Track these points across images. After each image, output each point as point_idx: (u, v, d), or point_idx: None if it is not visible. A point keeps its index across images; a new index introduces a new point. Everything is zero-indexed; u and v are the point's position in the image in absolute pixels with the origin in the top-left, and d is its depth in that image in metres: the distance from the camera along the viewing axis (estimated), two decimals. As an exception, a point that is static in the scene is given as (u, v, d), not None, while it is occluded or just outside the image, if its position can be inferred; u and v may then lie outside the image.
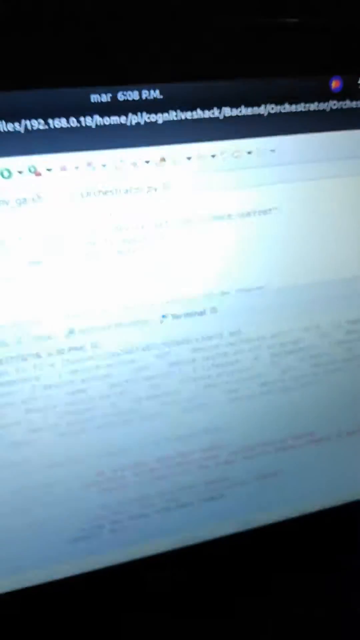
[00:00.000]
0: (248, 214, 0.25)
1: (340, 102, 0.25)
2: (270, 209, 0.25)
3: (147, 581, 0.31)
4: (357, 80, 0.25)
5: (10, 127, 0.21)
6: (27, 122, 0.21)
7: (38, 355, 0.25)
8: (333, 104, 0.25)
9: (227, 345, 0.28)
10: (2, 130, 0.21)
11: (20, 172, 0.22)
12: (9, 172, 0.21)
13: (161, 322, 0.26)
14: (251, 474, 0.31)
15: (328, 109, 0.25)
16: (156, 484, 0.29)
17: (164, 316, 0.26)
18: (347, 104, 0.25)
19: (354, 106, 0.25)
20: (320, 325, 0.29)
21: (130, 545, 0.30)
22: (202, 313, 0.26)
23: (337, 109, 0.25)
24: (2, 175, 0.21)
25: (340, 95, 0.25)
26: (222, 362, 0.28)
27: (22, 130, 0.21)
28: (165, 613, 0.32)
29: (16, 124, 0.21)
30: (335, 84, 0.24)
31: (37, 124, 0.21)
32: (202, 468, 0.30)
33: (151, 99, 0.22)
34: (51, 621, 0.30)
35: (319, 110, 0.25)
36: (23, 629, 0.30)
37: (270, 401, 0.30)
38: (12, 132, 0.21)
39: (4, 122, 0.21)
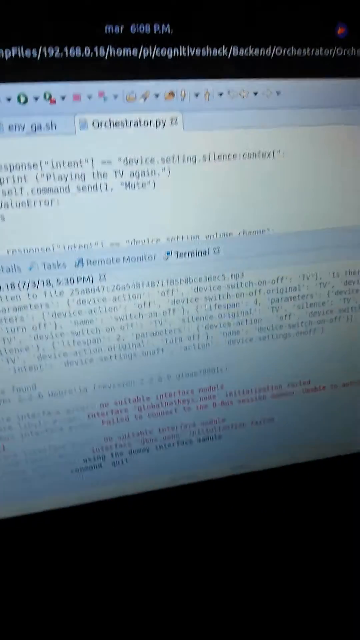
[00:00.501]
0: (252, 155, 0.26)
1: (345, 49, 0.26)
2: (273, 152, 0.26)
3: (145, 517, 0.33)
4: (363, 28, 0.26)
5: (27, 53, 0.22)
6: (44, 49, 0.22)
7: (48, 283, 0.26)
8: (338, 50, 0.25)
9: (228, 287, 0.29)
10: (20, 56, 0.22)
11: (35, 99, 0.23)
12: (25, 97, 0.23)
13: (166, 259, 0.27)
14: (247, 417, 0.32)
15: (333, 55, 0.25)
16: (156, 419, 0.30)
17: (168, 253, 0.27)
18: (352, 51, 0.26)
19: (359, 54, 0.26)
20: (320, 273, 0.30)
21: (131, 480, 0.31)
22: (205, 253, 0.27)
23: (341, 56, 0.26)
24: (19, 100, 0.22)
25: (345, 42, 0.25)
26: (223, 303, 0.29)
27: (38, 57, 0.22)
28: (161, 549, 0.33)
29: (33, 51, 0.22)
30: (340, 30, 0.25)
31: (53, 51, 0.22)
32: (200, 408, 0.31)
33: (162, 34, 0.23)
34: (53, 548, 0.31)
35: (324, 56, 0.25)
36: (27, 554, 0.31)
37: (268, 347, 0.31)
38: (29, 59, 0.22)
39: (22, 47, 0.22)
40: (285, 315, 0.30)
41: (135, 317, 0.28)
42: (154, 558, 0.32)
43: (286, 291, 0.30)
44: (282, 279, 0.29)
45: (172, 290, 0.28)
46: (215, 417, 0.31)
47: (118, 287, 0.27)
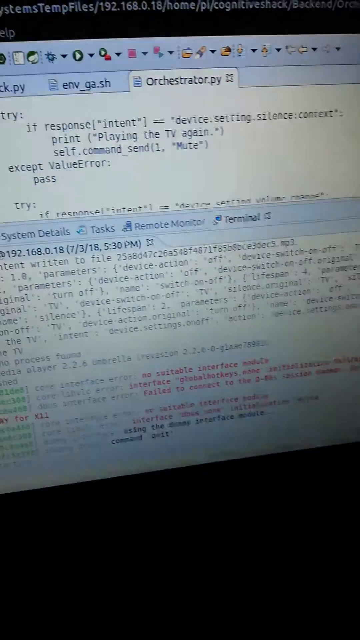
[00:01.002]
0: (308, 114, 0.25)
1: None
2: (331, 111, 0.25)
3: (181, 492, 0.32)
4: None
5: (84, 7, 0.22)
6: (101, 3, 0.22)
7: (96, 247, 0.25)
8: None
9: (277, 255, 0.28)
10: (76, 11, 0.21)
11: (90, 55, 0.22)
12: (81, 54, 0.22)
13: (215, 224, 0.26)
14: (291, 394, 0.31)
15: None
16: (198, 392, 0.30)
17: (217, 217, 0.26)
18: None
19: None
20: (375, 244, 0.29)
21: (170, 454, 0.31)
22: (255, 218, 0.27)
23: None
24: (75, 57, 0.22)
25: None
26: (272, 272, 0.28)
27: (95, 10, 0.22)
28: (196, 525, 0.32)
29: (90, 5, 0.22)
30: None
31: (110, 5, 0.22)
32: (243, 382, 0.30)
33: (221, -14, 0.22)
34: (88, 520, 0.32)
35: (388, 10, 0.24)
36: (61, 525, 0.31)
37: (316, 319, 0.30)
38: (85, 13, 0.22)
39: (79, 2, 0.21)
40: (336, 287, 0.29)
41: (181, 284, 0.27)
42: (189, 535, 0.32)
43: (337, 261, 0.29)
44: (334, 247, 0.28)
45: (220, 257, 0.27)
46: (258, 392, 0.31)
47: (165, 253, 0.26)
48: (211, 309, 0.28)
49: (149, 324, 0.28)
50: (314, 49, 0.24)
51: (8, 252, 0.25)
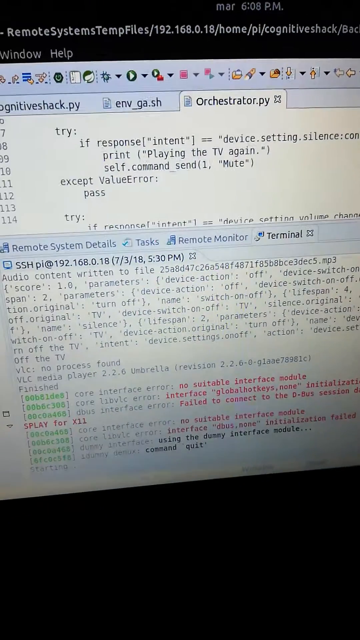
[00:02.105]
0: (355, 136, 0.25)
1: None
2: (378, 132, 0.25)
3: (212, 505, 0.32)
4: None
5: (140, 30, 0.22)
6: (156, 27, 0.22)
7: (141, 259, 0.26)
8: None
9: (319, 272, 0.28)
10: (132, 33, 0.22)
11: (144, 76, 0.23)
12: (135, 74, 0.23)
13: (257, 239, 0.27)
14: (328, 411, 0.31)
15: None
16: (234, 405, 0.30)
17: (260, 234, 0.27)
18: None
19: None
20: None
21: (203, 466, 0.31)
22: (298, 235, 0.27)
23: None
24: (128, 78, 0.23)
25: None
26: (313, 289, 0.28)
27: (150, 33, 0.23)
28: (225, 537, 0.32)
29: (145, 29, 0.22)
30: None
31: (165, 29, 0.23)
32: (280, 397, 0.30)
33: (272, 11, 0.23)
34: (119, 528, 0.32)
35: None
36: (90, 530, 0.32)
37: (355, 337, 0.30)
38: (140, 36, 0.23)
39: (134, 26, 0.22)
40: (376, 306, 0.29)
41: (221, 298, 0.28)
42: (217, 545, 0.32)
43: (378, 280, 0.29)
44: (375, 267, 0.28)
45: (261, 273, 0.27)
46: (295, 407, 0.31)
47: (207, 267, 0.27)
48: (250, 323, 0.28)
49: (187, 335, 0.28)
50: (363, 71, 0.24)
51: (56, 261, 0.26)
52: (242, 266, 0.27)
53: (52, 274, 0.26)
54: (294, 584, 0.31)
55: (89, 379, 0.28)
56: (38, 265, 0.25)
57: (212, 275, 0.27)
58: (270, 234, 0.27)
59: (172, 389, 0.29)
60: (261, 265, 0.27)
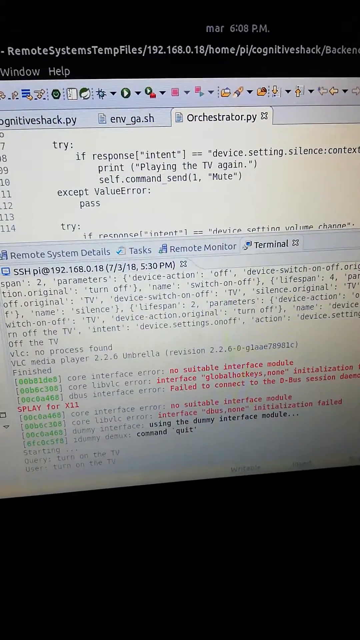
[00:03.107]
0: (338, 150, 0.26)
1: None
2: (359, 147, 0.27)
3: (201, 506, 0.33)
4: None
5: (133, 50, 0.24)
6: (149, 47, 0.24)
7: (133, 267, 0.27)
8: None
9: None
10: (126, 53, 0.24)
11: (137, 93, 0.24)
12: (129, 92, 0.24)
13: (245, 248, 0.28)
14: (314, 396, 0.32)
15: None
16: (223, 390, 0.31)
17: (248, 243, 0.28)
18: None
19: None
20: None
21: (192, 460, 0.32)
22: (284, 244, 0.28)
23: None
24: (122, 94, 0.24)
25: None
26: (299, 276, 0.29)
27: (143, 53, 0.24)
28: (215, 539, 0.33)
29: (139, 49, 0.24)
30: None
31: (157, 49, 0.24)
32: (267, 382, 0.31)
33: (259, 32, 0.24)
34: (112, 524, 0.33)
35: None
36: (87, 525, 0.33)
37: (341, 324, 0.30)
38: (134, 55, 0.24)
39: (128, 46, 0.24)
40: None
41: (210, 284, 0.28)
42: (208, 543, 0.33)
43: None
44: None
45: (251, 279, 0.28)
46: (282, 393, 0.32)
47: (197, 275, 0.28)
48: (238, 310, 0.29)
49: (177, 321, 0.29)
50: (345, 90, 0.26)
51: (53, 268, 0.27)
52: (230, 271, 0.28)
53: (49, 280, 0.27)
54: (283, 581, 0.32)
55: (82, 363, 0.29)
56: (35, 271, 0.26)
57: (200, 283, 0.28)
58: (258, 243, 0.28)
59: (163, 373, 0.30)
60: (250, 273, 0.28)
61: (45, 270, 0.27)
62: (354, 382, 0.32)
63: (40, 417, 0.30)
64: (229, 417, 0.31)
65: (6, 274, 0.26)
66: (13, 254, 0.26)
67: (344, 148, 0.26)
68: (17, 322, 0.27)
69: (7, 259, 0.26)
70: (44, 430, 0.30)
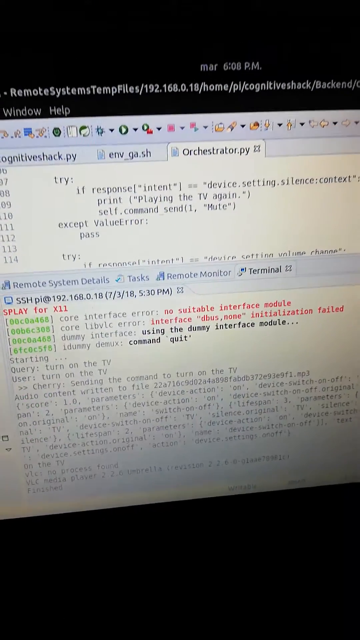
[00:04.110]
0: (328, 180, 0.27)
1: None
2: (349, 177, 0.27)
3: (202, 525, 0.34)
4: None
5: (131, 89, 0.25)
6: (145, 86, 0.25)
7: (132, 294, 0.28)
8: None
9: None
10: (124, 92, 0.25)
11: (135, 130, 0.25)
12: (126, 128, 0.25)
13: (240, 274, 0.29)
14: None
15: None
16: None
17: (242, 269, 0.29)
18: None
19: None
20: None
21: (192, 482, 0.33)
22: (277, 270, 0.29)
23: None
24: (120, 131, 0.25)
25: None
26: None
27: (140, 92, 0.25)
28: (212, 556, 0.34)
29: (136, 87, 0.25)
30: None
31: (153, 87, 0.25)
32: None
33: (252, 70, 0.25)
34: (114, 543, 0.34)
35: None
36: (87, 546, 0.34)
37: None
38: (131, 94, 0.25)
39: (126, 85, 0.25)
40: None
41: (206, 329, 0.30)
42: (206, 559, 0.34)
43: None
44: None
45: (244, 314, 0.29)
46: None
47: (193, 300, 0.29)
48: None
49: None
50: (334, 122, 0.27)
51: (54, 296, 0.28)
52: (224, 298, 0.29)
53: (49, 308, 0.28)
54: (277, 597, 0.33)
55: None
56: (37, 300, 0.27)
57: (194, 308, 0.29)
58: (252, 270, 0.29)
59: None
60: (244, 298, 0.29)
61: (47, 299, 0.27)
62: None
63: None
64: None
65: (9, 303, 0.27)
66: (15, 284, 0.27)
67: (335, 177, 0.27)
68: (20, 349, 0.28)
69: (9, 288, 0.27)
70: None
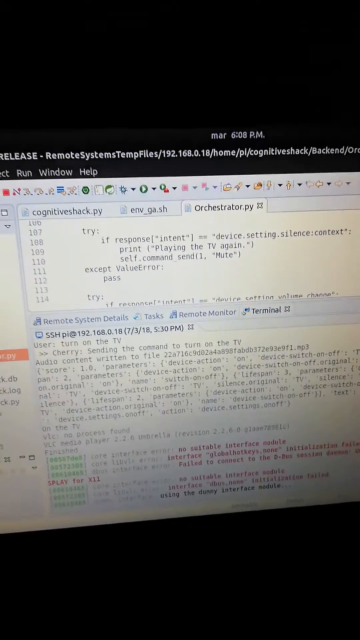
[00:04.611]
0: (323, 232, 0.31)
1: None
2: (342, 230, 0.31)
3: (209, 538, 0.37)
4: None
5: (150, 154, 0.28)
6: (163, 151, 0.28)
7: (148, 330, 0.32)
8: None
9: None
10: (144, 157, 0.28)
11: (153, 189, 0.29)
12: (146, 187, 0.29)
13: (244, 314, 0.32)
14: (304, 470, 0.36)
15: None
16: (225, 466, 0.35)
17: (246, 309, 0.32)
18: None
19: None
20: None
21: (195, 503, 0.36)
22: (277, 310, 0.32)
23: None
24: (141, 190, 0.29)
25: None
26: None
27: (158, 157, 0.28)
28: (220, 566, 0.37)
29: (155, 153, 0.28)
30: None
31: (170, 153, 0.28)
32: (263, 459, 0.35)
33: (256, 138, 0.29)
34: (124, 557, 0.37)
35: (390, 153, 0.30)
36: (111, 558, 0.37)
37: (326, 408, 0.35)
38: (151, 158, 0.28)
39: (146, 150, 0.28)
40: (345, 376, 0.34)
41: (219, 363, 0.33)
42: (210, 572, 0.37)
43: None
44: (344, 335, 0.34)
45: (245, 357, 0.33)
46: (277, 467, 0.36)
47: (202, 339, 0.32)
48: (236, 398, 0.34)
49: (195, 406, 0.34)
50: (329, 183, 0.30)
51: (79, 331, 0.31)
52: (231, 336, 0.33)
53: (75, 342, 0.31)
54: (274, 612, 0.35)
55: (103, 444, 0.34)
56: (64, 334, 0.31)
57: (202, 344, 0.33)
58: (254, 310, 0.32)
59: (173, 451, 0.34)
60: (247, 336, 0.33)
61: (72, 334, 0.31)
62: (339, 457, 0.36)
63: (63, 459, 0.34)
64: (230, 488, 0.36)
65: (39, 337, 0.31)
66: (45, 320, 0.31)
67: (328, 230, 0.31)
68: (48, 378, 0.32)
69: (40, 324, 0.31)
70: (69, 500, 0.35)
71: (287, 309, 0.32)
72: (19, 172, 0.28)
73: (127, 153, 0.28)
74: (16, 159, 0.28)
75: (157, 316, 0.31)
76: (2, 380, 0.31)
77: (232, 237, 0.30)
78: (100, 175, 0.29)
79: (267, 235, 0.31)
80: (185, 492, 0.35)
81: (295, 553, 0.38)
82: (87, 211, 0.29)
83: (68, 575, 0.36)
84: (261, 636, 0.34)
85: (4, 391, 0.32)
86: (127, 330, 0.31)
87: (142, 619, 0.35)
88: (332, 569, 0.38)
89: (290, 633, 0.34)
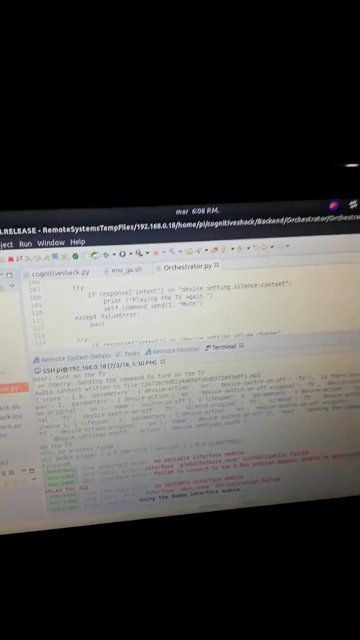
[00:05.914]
0: (268, 284, 0.38)
1: (336, 217, 0.38)
2: (284, 282, 0.39)
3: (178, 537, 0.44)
4: (349, 203, 0.38)
5: (128, 227, 0.35)
6: (138, 225, 0.36)
7: (127, 364, 0.39)
8: (331, 218, 0.38)
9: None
10: (122, 230, 0.35)
11: (130, 254, 0.36)
12: (124, 253, 0.36)
13: (206, 350, 0.39)
14: (259, 476, 0.44)
15: (327, 221, 0.38)
16: (193, 473, 0.42)
17: (208, 346, 0.39)
18: (341, 217, 0.38)
19: (346, 219, 0.38)
20: (317, 365, 0.42)
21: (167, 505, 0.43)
22: (233, 346, 0.40)
23: (333, 221, 0.38)
24: (120, 255, 0.36)
25: (336, 212, 0.38)
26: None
27: (134, 229, 0.36)
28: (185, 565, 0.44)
29: (131, 226, 0.35)
30: (332, 205, 0.38)
31: (144, 226, 0.36)
32: (224, 467, 0.43)
33: (212, 213, 0.36)
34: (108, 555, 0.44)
35: (320, 221, 0.38)
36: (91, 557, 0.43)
37: (276, 423, 0.42)
38: (128, 230, 0.36)
39: (125, 224, 0.35)
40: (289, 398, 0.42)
41: (189, 390, 0.40)
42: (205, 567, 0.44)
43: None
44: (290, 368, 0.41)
45: (208, 386, 0.40)
46: (236, 474, 0.43)
47: (172, 369, 0.39)
48: (201, 418, 0.41)
49: (169, 423, 0.41)
50: (272, 246, 0.38)
51: (70, 367, 0.38)
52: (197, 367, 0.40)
53: (66, 376, 0.38)
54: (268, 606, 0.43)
55: (91, 458, 0.40)
56: (58, 370, 0.38)
57: (175, 374, 0.40)
58: (215, 346, 0.39)
59: (149, 463, 0.41)
60: (209, 365, 0.40)
61: (65, 369, 0.38)
62: (288, 465, 0.43)
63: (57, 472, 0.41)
64: (198, 492, 0.43)
65: (38, 372, 0.38)
66: (43, 359, 0.37)
67: (272, 282, 0.38)
68: (45, 405, 0.38)
69: (39, 362, 0.37)
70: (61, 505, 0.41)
71: (241, 345, 0.40)
72: (21, 243, 0.35)
73: (108, 227, 0.35)
74: (19, 233, 0.35)
75: (134, 353, 0.39)
76: (7, 407, 0.38)
77: (195, 289, 0.38)
78: (87, 244, 0.36)
79: (223, 288, 0.38)
80: (160, 497, 0.43)
81: (253, 546, 0.45)
82: (77, 272, 0.36)
83: (63, 567, 0.43)
84: (227, 625, 0.42)
85: (9, 417, 0.38)
86: (110, 365, 0.38)
87: (125, 603, 0.42)
88: (283, 560, 0.45)
89: (244, 624, 0.42)
